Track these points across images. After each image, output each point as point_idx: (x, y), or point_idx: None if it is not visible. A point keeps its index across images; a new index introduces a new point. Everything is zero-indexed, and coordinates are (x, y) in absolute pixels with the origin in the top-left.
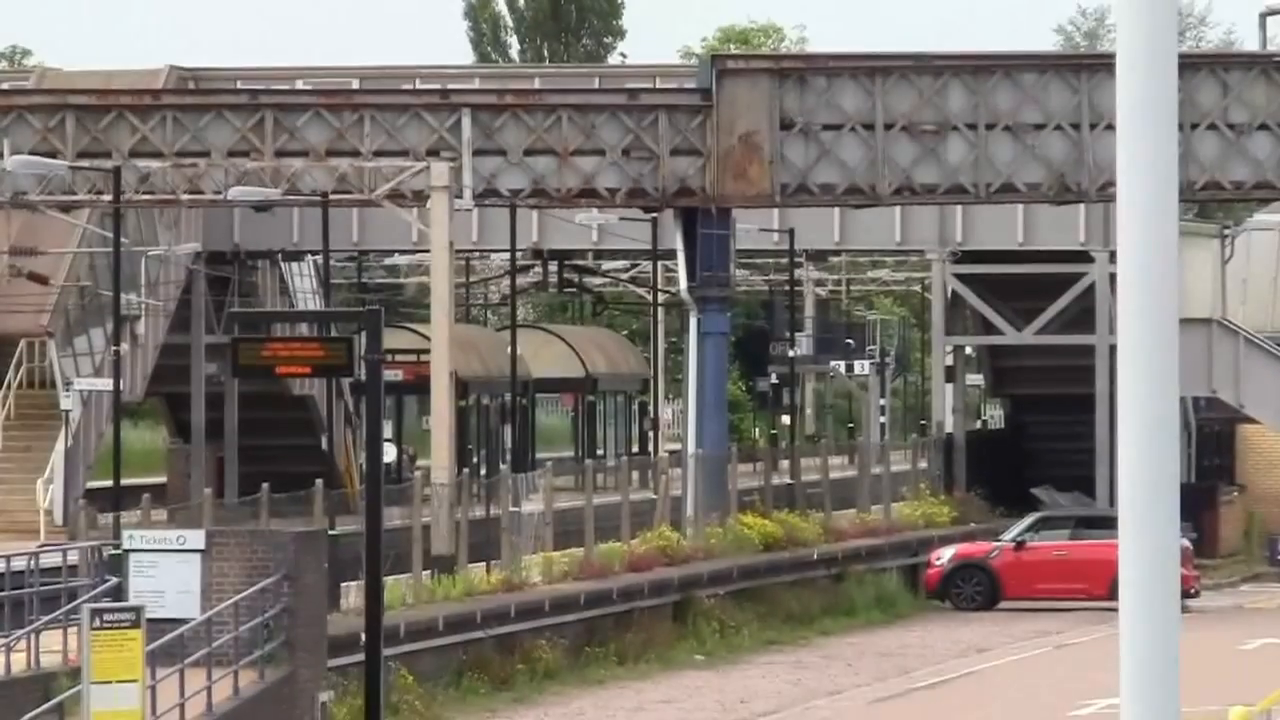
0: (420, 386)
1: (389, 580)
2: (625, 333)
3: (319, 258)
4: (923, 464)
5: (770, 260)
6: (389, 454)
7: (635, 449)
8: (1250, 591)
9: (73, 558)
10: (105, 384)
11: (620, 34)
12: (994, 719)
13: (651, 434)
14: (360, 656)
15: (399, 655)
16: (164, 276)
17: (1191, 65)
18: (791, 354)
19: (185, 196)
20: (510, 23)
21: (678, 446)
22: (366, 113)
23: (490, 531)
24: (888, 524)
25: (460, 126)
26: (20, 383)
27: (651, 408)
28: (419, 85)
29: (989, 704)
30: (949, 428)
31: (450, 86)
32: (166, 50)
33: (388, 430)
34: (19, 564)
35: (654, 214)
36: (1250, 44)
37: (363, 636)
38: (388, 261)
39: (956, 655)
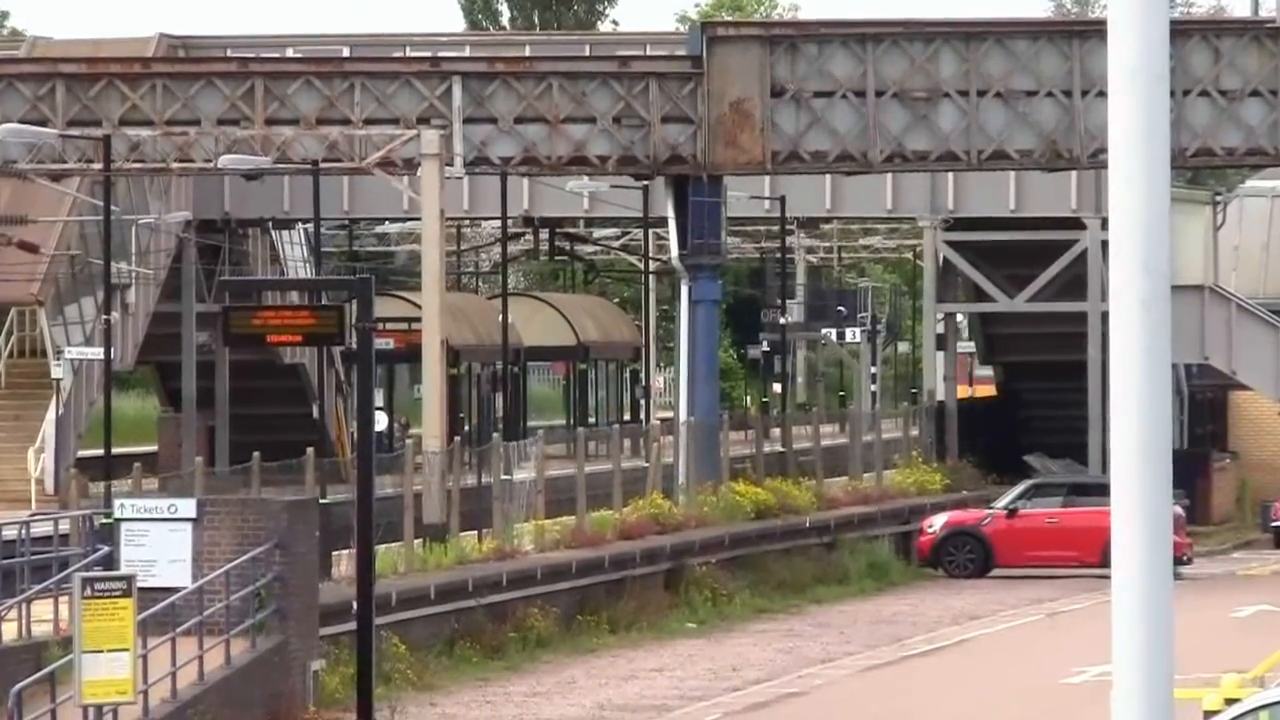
0: (411, 355)
1: (380, 549)
2: (617, 301)
3: (310, 226)
4: (914, 431)
5: (762, 228)
6: (380, 422)
7: (627, 417)
8: (1243, 558)
9: (64, 526)
10: (96, 353)
11: (611, 1)
12: (987, 687)
13: (643, 402)
14: (352, 625)
15: (391, 624)
16: (154, 245)
17: (1183, 31)
18: (783, 321)
19: (175, 165)
20: None
21: (669, 414)
22: (357, 80)
23: (482, 500)
24: (880, 491)
25: (451, 94)
26: (11, 351)
27: (643, 376)
28: (409, 53)
29: (982, 672)
30: (940, 395)
31: (441, 54)
32: (156, 18)
33: (379, 399)
34: (10, 533)
35: (645, 181)
36: (1242, 10)
37: (354, 605)
38: (378, 230)
39: (949, 623)
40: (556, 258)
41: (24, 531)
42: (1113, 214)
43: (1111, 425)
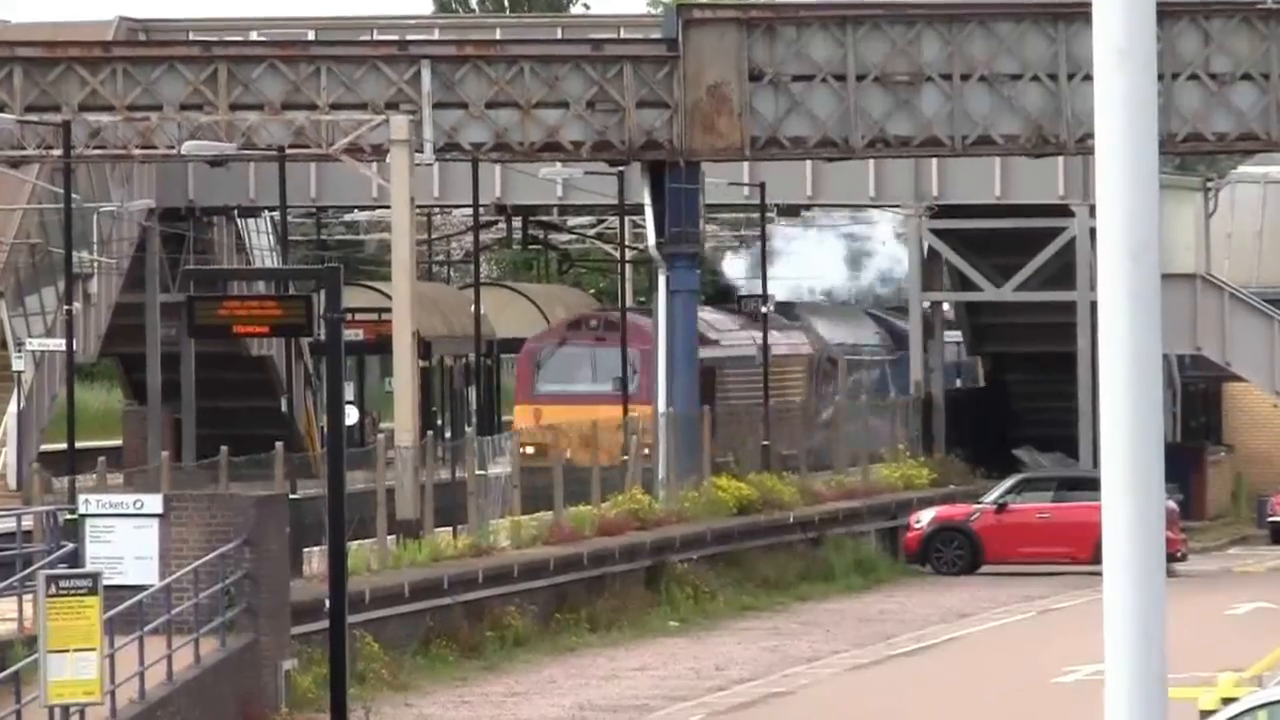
0: (382, 347)
1: (353, 545)
2: (592, 291)
3: (276, 214)
4: (901, 424)
5: (741, 215)
6: (350, 416)
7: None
8: (1239, 555)
9: (27, 523)
10: (58, 344)
11: None
12: (976, 686)
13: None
14: (324, 623)
15: (364, 622)
16: (117, 233)
17: (1171, 13)
18: (764, 311)
19: (137, 151)
20: None
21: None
22: (323, 65)
23: (457, 495)
24: (865, 486)
25: (420, 79)
26: None
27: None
28: (377, 36)
29: (971, 670)
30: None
31: (409, 37)
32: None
33: (349, 392)
34: None
35: (620, 168)
36: None
37: (327, 603)
38: (347, 218)
39: (938, 621)
40: (530, 247)
41: None
42: (1100, 200)
43: (1102, 418)
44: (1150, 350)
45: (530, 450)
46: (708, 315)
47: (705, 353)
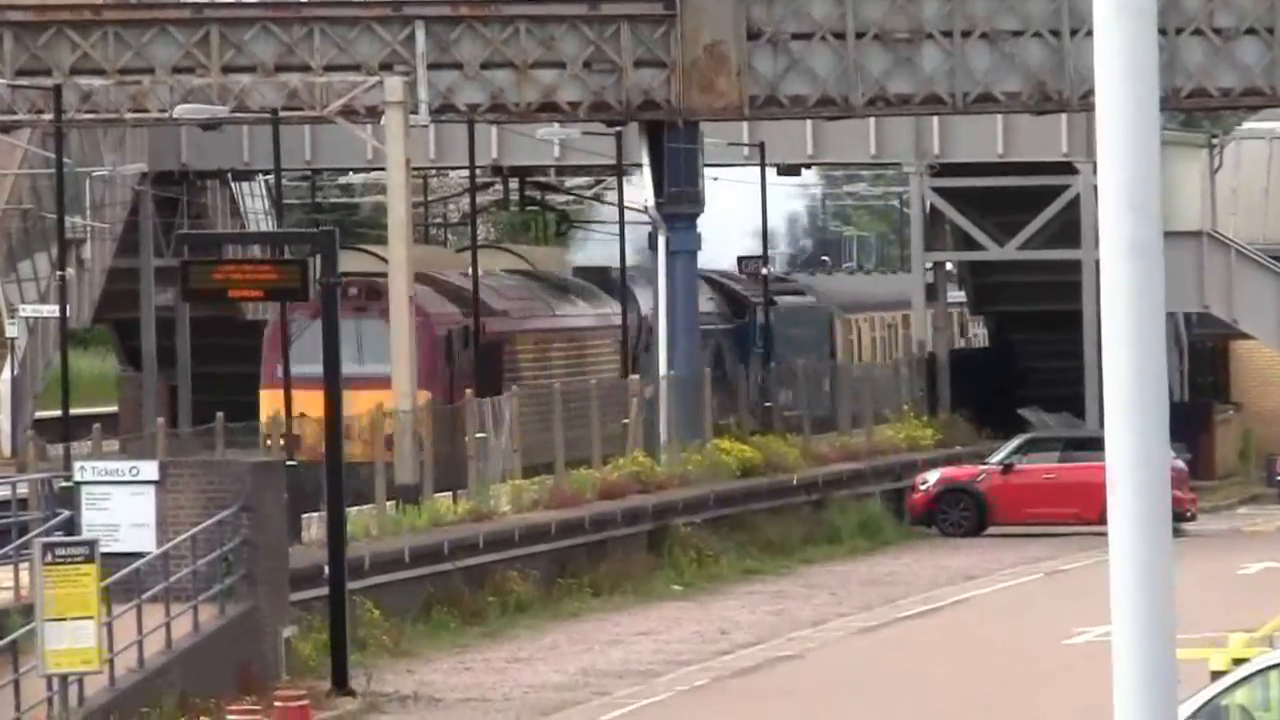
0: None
1: (352, 511)
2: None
3: (270, 177)
4: (905, 385)
5: (741, 177)
6: None
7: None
8: (1248, 514)
9: (22, 490)
10: (51, 310)
11: None
12: (985, 649)
13: (620, 357)
14: (324, 590)
15: (364, 589)
16: (110, 198)
17: None
18: (765, 272)
19: (129, 115)
20: None
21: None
22: (316, 26)
23: (456, 460)
24: (870, 447)
25: (414, 39)
26: None
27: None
28: None
29: (979, 633)
30: (930, 347)
31: None
32: None
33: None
34: None
35: (618, 128)
36: None
37: (326, 569)
38: (342, 180)
39: (944, 583)
40: (527, 208)
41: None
42: (1101, 157)
43: (1105, 377)
44: (1153, 308)
45: (280, 444)
46: (492, 282)
47: (490, 324)
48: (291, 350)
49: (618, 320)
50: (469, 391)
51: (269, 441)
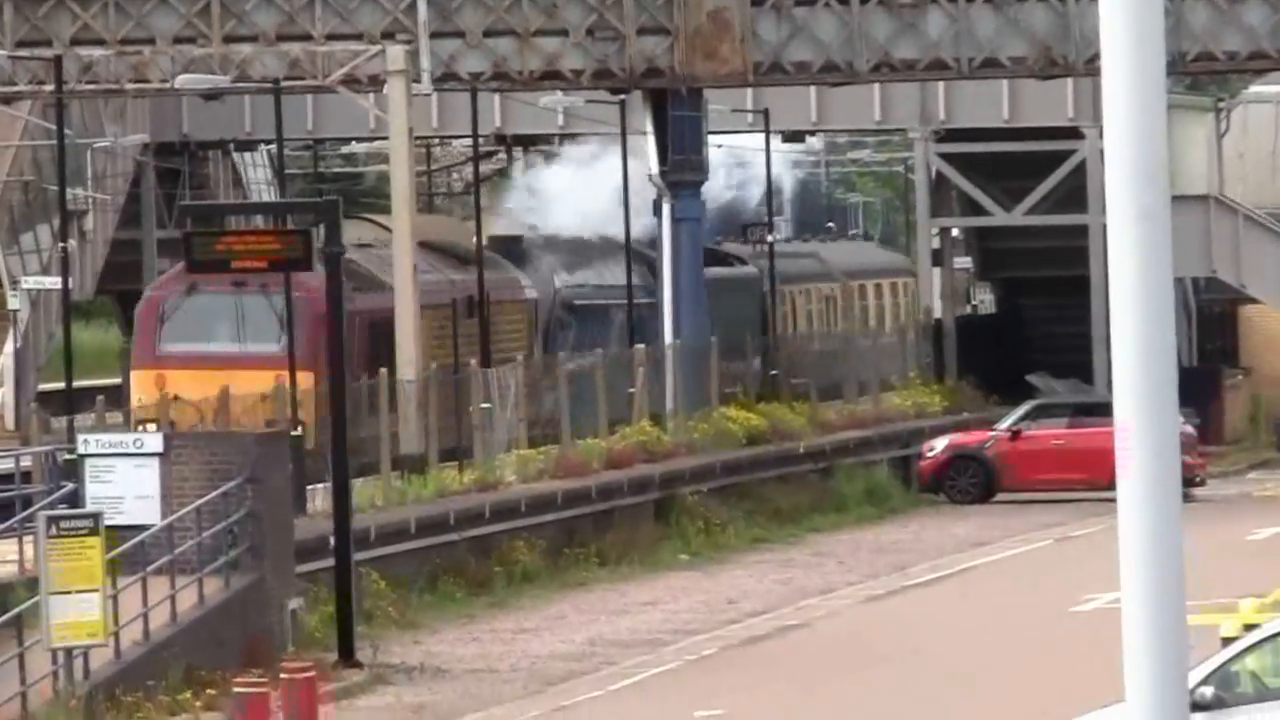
0: None
1: (357, 482)
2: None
3: (273, 147)
4: (911, 352)
5: (746, 144)
6: None
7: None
8: (1258, 479)
9: (26, 463)
10: (54, 282)
11: None
12: (994, 616)
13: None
14: (330, 561)
15: (370, 560)
16: (111, 169)
17: None
18: (770, 239)
19: (130, 86)
20: None
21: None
22: None
23: (461, 430)
24: (877, 414)
25: (416, 8)
26: None
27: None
28: None
29: (988, 600)
30: (937, 313)
31: None
32: None
33: None
34: None
35: (622, 96)
36: None
37: (331, 540)
38: (345, 150)
39: (953, 550)
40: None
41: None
42: (1107, 122)
43: (1113, 342)
44: (1161, 272)
45: (151, 427)
46: (383, 254)
47: (380, 300)
48: (164, 329)
49: (530, 294)
50: (473, 362)
51: (140, 427)
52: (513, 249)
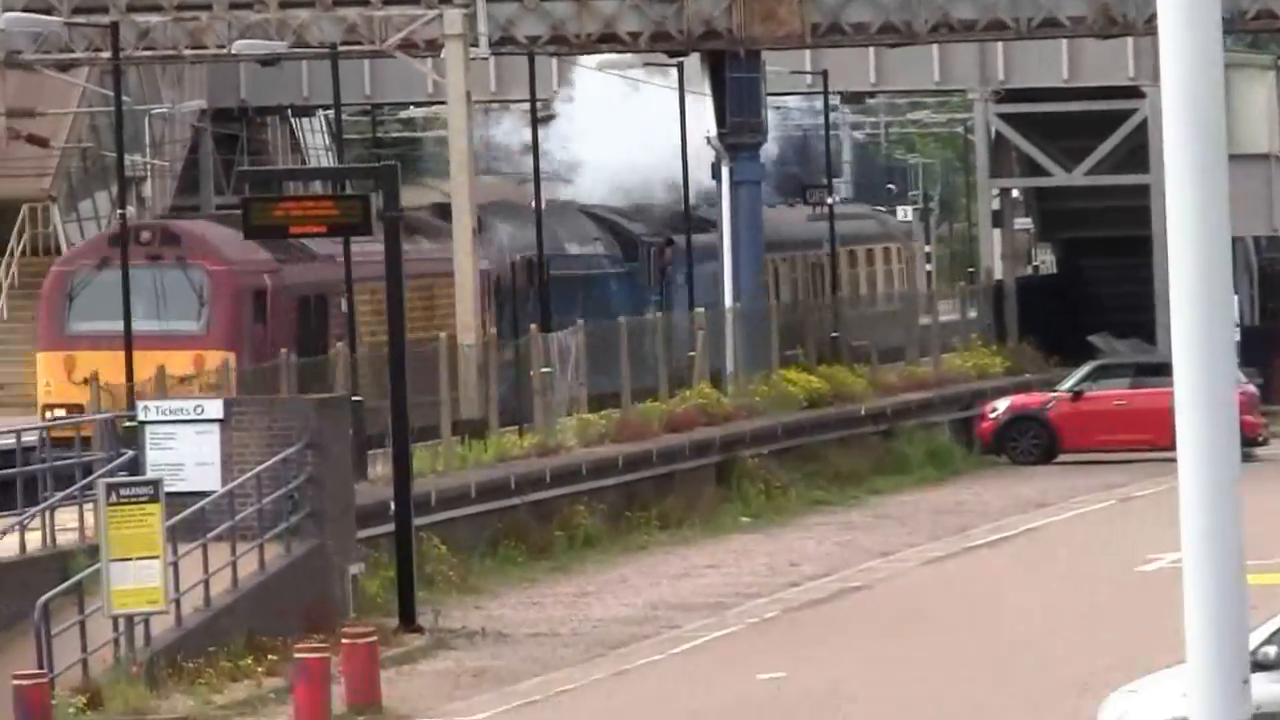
0: None
1: (417, 447)
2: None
3: (330, 112)
4: (972, 313)
5: (805, 105)
6: None
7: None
8: None
9: (86, 431)
10: None
11: None
12: (1057, 577)
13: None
14: (390, 527)
15: (431, 524)
16: (169, 135)
17: None
18: (830, 201)
19: (188, 51)
20: None
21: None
22: None
23: (522, 394)
24: (938, 376)
25: None
26: (24, 249)
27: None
28: None
29: (1051, 561)
30: (998, 274)
31: None
32: None
33: None
34: (30, 438)
35: (679, 58)
36: None
37: (392, 506)
38: (402, 115)
39: (1015, 511)
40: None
41: (44, 436)
42: (1164, 79)
43: (1172, 302)
44: (1219, 230)
45: (61, 413)
46: None
47: (309, 272)
48: (73, 306)
49: (482, 266)
50: (533, 326)
51: (48, 414)
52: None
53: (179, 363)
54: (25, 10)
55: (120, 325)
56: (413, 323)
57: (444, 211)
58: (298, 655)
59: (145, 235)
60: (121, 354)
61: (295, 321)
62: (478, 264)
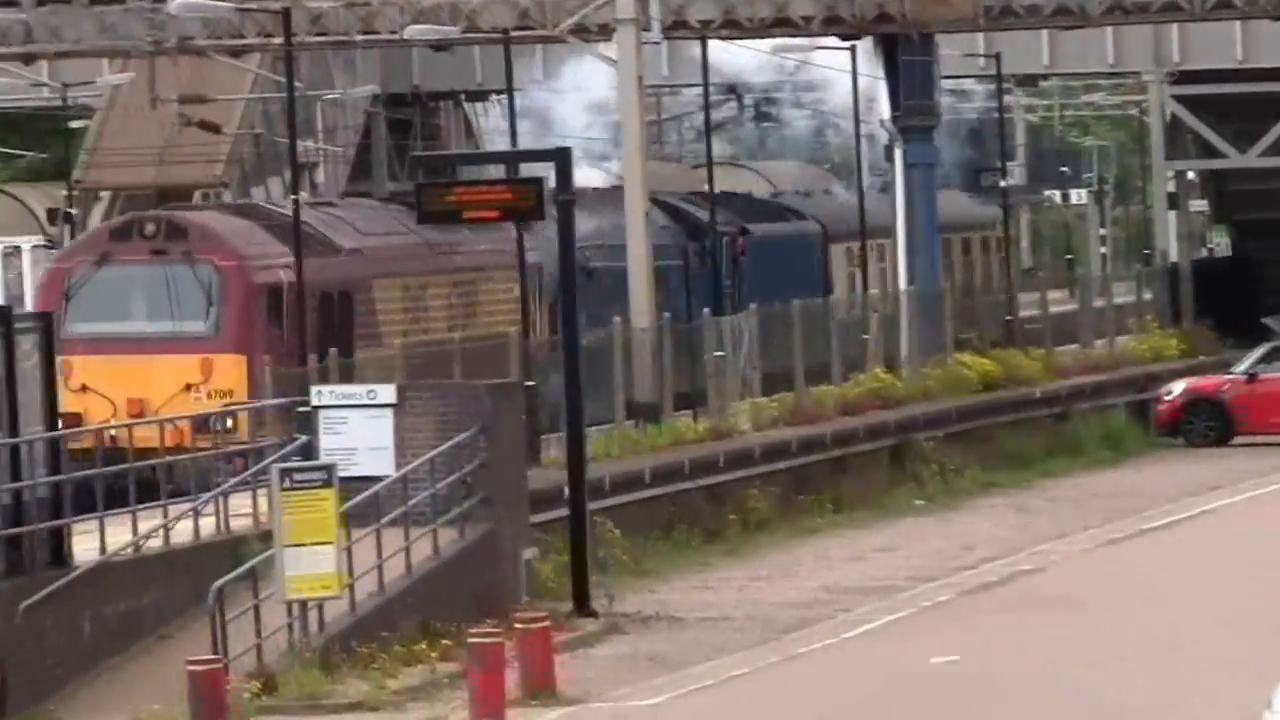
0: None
1: (591, 431)
2: (827, 166)
3: (504, 97)
4: (1147, 295)
5: (978, 87)
6: None
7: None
8: None
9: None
10: None
11: None
12: (1232, 560)
13: (859, 273)
14: (564, 511)
15: (604, 509)
16: (341, 121)
17: None
18: (1004, 184)
19: (360, 37)
20: None
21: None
22: None
23: (695, 378)
24: (1112, 359)
25: None
26: None
27: (858, 245)
28: None
29: (1225, 544)
30: (1173, 257)
31: None
32: None
33: None
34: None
35: (852, 42)
36: None
37: (566, 490)
38: None
39: (1189, 494)
40: (762, 125)
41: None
42: None
43: None
44: None
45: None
46: (340, 213)
47: (333, 268)
48: (70, 307)
49: (531, 258)
50: (706, 310)
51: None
52: None
53: (185, 368)
54: None
55: (123, 327)
56: (450, 326)
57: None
58: (472, 640)
59: (149, 227)
60: (122, 359)
61: (317, 322)
62: (648, 246)
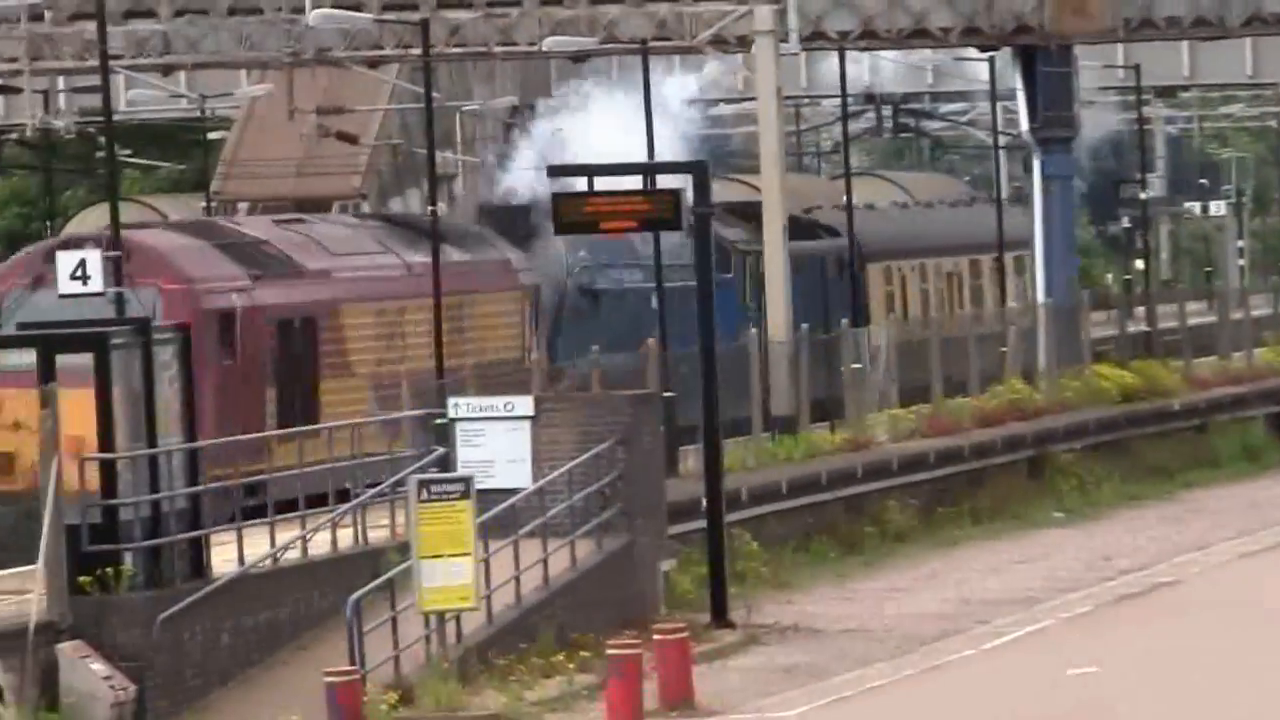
0: None
1: (728, 443)
2: (966, 179)
3: None
4: None
5: (1117, 99)
6: None
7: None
8: None
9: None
10: None
11: None
12: None
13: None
14: (701, 523)
15: (742, 520)
16: (480, 132)
17: None
18: (1143, 196)
19: (498, 49)
20: None
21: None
22: None
23: (832, 390)
24: (1250, 371)
25: None
26: None
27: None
28: None
29: None
30: None
31: None
32: None
33: None
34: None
35: (990, 53)
36: None
37: (703, 502)
38: (712, 112)
39: None
40: (900, 135)
41: (355, 435)
42: None
43: None
44: None
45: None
46: (305, 230)
47: (294, 293)
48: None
49: (527, 279)
50: (843, 322)
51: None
52: (517, 221)
53: None
54: (335, 7)
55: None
56: (429, 353)
57: (498, 215)
58: (610, 652)
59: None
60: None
61: (274, 351)
62: (785, 261)
